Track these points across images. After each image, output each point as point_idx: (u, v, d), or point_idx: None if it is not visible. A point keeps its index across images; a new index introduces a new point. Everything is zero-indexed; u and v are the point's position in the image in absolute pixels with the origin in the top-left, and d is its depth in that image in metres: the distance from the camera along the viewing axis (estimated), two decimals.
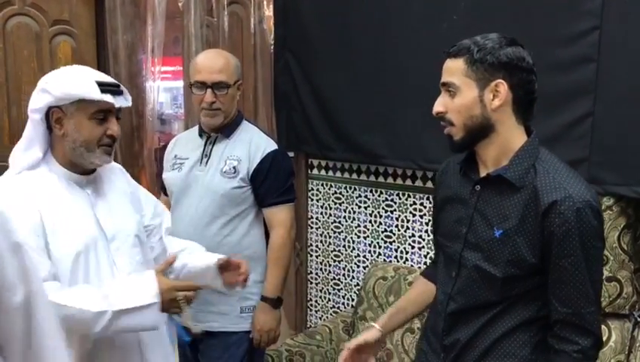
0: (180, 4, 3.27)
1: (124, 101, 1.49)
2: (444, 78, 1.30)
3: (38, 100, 1.43)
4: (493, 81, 1.24)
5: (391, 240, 2.68)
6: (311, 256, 2.99)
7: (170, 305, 1.45)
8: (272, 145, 2.06)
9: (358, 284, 2.79)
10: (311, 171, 2.93)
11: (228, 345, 2.08)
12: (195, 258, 1.74)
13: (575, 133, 2.03)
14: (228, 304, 2.05)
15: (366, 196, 2.74)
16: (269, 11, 3.13)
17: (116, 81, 1.50)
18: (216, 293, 2.01)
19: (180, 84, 3.71)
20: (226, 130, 2.06)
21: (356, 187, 2.78)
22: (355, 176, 2.78)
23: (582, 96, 2.00)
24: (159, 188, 2.28)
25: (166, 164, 2.16)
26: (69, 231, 1.42)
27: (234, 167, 2.00)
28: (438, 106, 1.31)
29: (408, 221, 2.60)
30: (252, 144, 2.04)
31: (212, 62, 2.01)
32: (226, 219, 2.02)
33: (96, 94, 1.40)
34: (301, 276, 3.01)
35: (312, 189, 2.92)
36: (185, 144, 2.14)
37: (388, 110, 2.51)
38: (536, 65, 2.08)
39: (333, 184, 2.85)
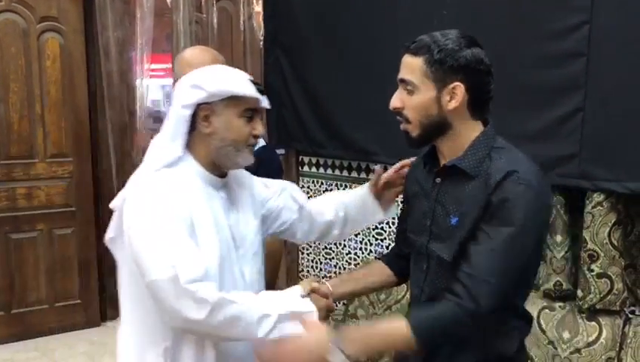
0: (168, 1, 3.25)
1: (266, 102, 1.44)
2: (403, 75, 1.29)
3: (190, 96, 1.36)
4: (450, 83, 1.25)
5: (382, 237, 2.67)
6: (302, 253, 2.97)
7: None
8: (261, 141, 2.04)
9: None
10: (302, 168, 2.91)
11: None
12: (347, 197, 1.70)
13: (565, 129, 2.01)
14: None
15: (332, 191, 2.72)
16: (258, 7, 3.12)
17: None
18: None
19: (172, 81, 3.69)
20: None
21: (347, 184, 2.76)
22: (346, 173, 2.77)
23: (572, 92, 1.99)
24: None
25: None
26: (212, 236, 1.37)
27: None
28: (395, 102, 1.31)
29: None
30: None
31: (201, 57, 1.98)
32: None
33: (250, 90, 1.37)
34: (292, 273, 3.00)
35: (304, 186, 2.90)
36: None
37: (379, 106, 2.46)
38: (527, 60, 2.10)
39: (324, 181, 2.84)
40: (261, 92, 1.41)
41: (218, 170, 1.44)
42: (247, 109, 1.39)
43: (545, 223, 1.30)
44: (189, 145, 1.41)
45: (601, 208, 1.98)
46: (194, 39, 3.16)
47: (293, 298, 1.35)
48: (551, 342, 2.11)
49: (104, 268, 3.82)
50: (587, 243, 2.01)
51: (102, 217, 3.78)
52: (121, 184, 3.82)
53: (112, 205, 1.42)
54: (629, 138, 1.90)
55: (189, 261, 1.25)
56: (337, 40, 2.57)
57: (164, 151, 1.39)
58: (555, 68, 2.00)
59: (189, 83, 1.38)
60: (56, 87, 3.59)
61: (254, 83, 1.41)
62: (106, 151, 3.69)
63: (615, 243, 1.99)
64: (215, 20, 3.24)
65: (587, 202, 2.00)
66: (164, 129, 1.40)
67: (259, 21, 3.10)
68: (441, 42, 1.25)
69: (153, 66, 3.65)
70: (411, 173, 1.52)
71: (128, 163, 3.71)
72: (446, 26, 2.24)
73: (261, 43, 3.08)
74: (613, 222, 1.98)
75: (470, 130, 1.30)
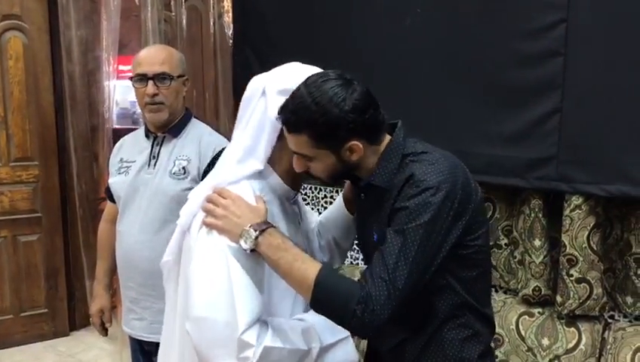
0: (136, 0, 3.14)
1: None
2: (293, 148, 1.22)
3: (280, 104, 1.21)
4: (345, 143, 1.19)
5: None
6: None
7: None
8: (224, 143, 1.95)
9: None
10: None
11: None
12: (326, 215, 1.59)
13: (543, 130, 1.97)
14: None
15: (331, 197, 2.65)
16: (228, 5, 3.03)
17: None
18: None
19: None
20: (174, 129, 1.94)
21: (321, 188, 2.69)
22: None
23: (549, 92, 1.94)
24: (106, 196, 2.14)
25: (111, 168, 2.02)
26: None
27: (183, 168, 1.88)
28: (299, 167, 1.25)
29: None
30: (202, 142, 1.92)
31: (153, 55, 1.91)
32: None
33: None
34: None
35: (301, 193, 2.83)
36: (131, 147, 2.01)
37: None
38: (503, 60, 2.05)
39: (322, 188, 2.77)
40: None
41: (296, 182, 1.34)
42: None
43: (450, 218, 1.18)
44: (270, 158, 1.28)
45: (579, 211, 1.94)
46: (163, 38, 3.06)
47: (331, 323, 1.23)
48: (530, 349, 2.06)
49: (72, 275, 3.70)
50: (566, 248, 1.97)
51: (69, 223, 3.66)
52: (88, 189, 3.71)
53: (179, 222, 1.30)
54: (608, 140, 1.87)
55: (250, 304, 1.16)
56: (307, 39, 2.50)
57: (242, 166, 1.26)
58: (531, 67, 1.95)
59: (277, 88, 1.23)
60: (20, 87, 3.46)
61: None
62: (74, 155, 3.57)
63: (594, 247, 1.95)
64: (184, 19, 3.14)
65: (566, 205, 1.96)
66: (239, 142, 1.27)
67: (229, 20, 3.01)
68: (318, 112, 1.15)
69: (124, 67, 3.52)
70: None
71: (96, 166, 3.59)
72: (420, 25, 2.21)
73: (231, 42, 3.00)
74: (592, 225, 1.94)
75: (376, 155, 1.25)
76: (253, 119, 1.26)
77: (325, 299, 1.14)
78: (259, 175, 1.28)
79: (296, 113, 1.17)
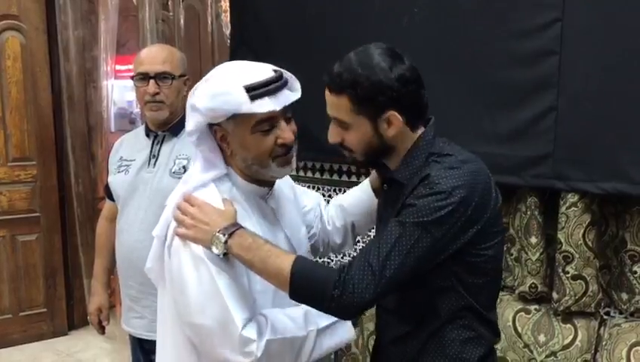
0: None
1: (289, 95, 1.22)
2: (332, 113, 1.23)
3: (190, 121, 1.23)
4: (384, 113, 1.19)
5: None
6: None
7: None
8: None
9: None
10: (297, 173, 2.83)
11: None
12: (348, 199, 1.57)
13: (539, 129, 1.98)
14: None
15: (330, 195, 2.66)
16: (226, 5, 3.04)
17: (275, 71, 1.22)
18: None
19: None
20: (174, 127, 1.95)
21: (320, 186, 2.70)
22: (318, 175, 2.71)
23: (545, 90, 1.95)
24: (105, 194, 2.15)
25: (111, 167, 2.03)
26: None
27: (183, 167, 1.89)
28: (334, 137, 1.25)
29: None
30: None
31: (155, 54, 1.92)
32: None
33: (245, 106, 1.16)
34: None
35: None
36: (131, 145, 2.02)
37: None
38: (499, 59, 2.07)
39: (296, 183, 2.77)
40: (278, 88, 1.19)
41: (260, 180, 1.32)
42: (261, 122, 1.20)
43: (460, 224, 1.16)
44: (226, 160, 1.30)
45: (575, 209, 1.95)
46: (161, 38, 3.08)
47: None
48: (527, 346, 2.08)
49: (71, 274, 3.71)
50: (562, 245, 1.98)
51: (67, 222, 3.66)
52: (86, 188, 3.73)
53: (154, 232, 1.32)
54: (603, 138, 1.88)
55: (240, 301, 1.19)
56: (305, 39, 2.51)
57: (204, 175, 1.28)
58: (527, 66, 1.96)
59: (188, 103, 1.24)
60: (18, 87, 3.47)
61: (262, 84, 1.18)
62: (72, 155, 3.58)
63: (590, 244, 1.96)
64: (182, 19, 3.15)
65: (561, 203, 1.97)
66: (198, 155, 1.30)
67: (226, 20, 3.02)
68: (363, 75, 1.17)
69: (121, 67, 3.53)
70: None
71: (94, 166, 3.60)
72: (417, 24, 2.22)
73: (229, 41, 3.01)
74: (587, 222, 1.95)
75: (410, 142, 1.26)
76: (187, 137, 1.29)
77: (302, 287, 1.15)
78: (226, 177, 1.30)
79: (340, 75, 1.18)
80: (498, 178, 2.07)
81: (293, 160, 1.29)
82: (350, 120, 1.20)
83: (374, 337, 1.51)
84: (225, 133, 1.23)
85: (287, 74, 1.26)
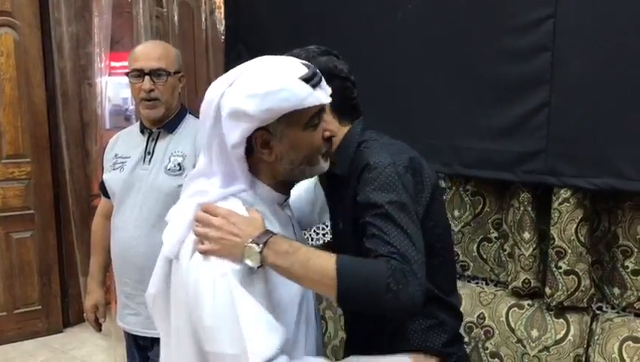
0: None
1: (325, 85, 1.14)
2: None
3: (235, 131, 1.07)
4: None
5: None
6: None
7: None
8: None
9: None
10: None
11: None
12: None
13: (531, 125, 1.99)
14: None
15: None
16: (220, 1, 3.03)
17: (306, 62, 1.15)
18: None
19: None
20: (169, 124, 1.95)
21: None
22: None
23: (537, 86, 1.96)
24: (100, 191, 2.15)
25: (106, 164, 2.03)
26: None
27: (179, 164, 1.89)
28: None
29: None
30: (197, 138, 1.93)
31: (150, 50, 1.92)
32: None
33: (311, 99, 1.07)
34: None
35: None
36: (126, 142, 2.02)
37: None
38: (491, 55, 2.07)
39: None
40: (321, 80, 1.12)
41: (287, 187, 1.23)
42: (314, 116, 1.12)
43: (412, 186, 1.20)
44: (251, 169, 1.16)
45: (568, 204, 1.96)
46: (155, 34, 3.07)
47: None
48: (520, 341, 2.09)
49: (66, 272, 3.71)
50: (554, 240, 1.99)
51: (62, 220, 3.66)
52: (81, 185, 3.72)
53: (167, 252, 1.16)
54: (595, 133, 1.89)
55: (263, 334, 1.04)
56: (300, 35, 2.51)
57: (227, 189, 1.15)
58: (520, 62, 1.97)
59: (227, 110, 1.07)
60: (12, 84, 3.45)
61: (313, 74, 1.09)
62: (66, 152, 3.57)
63: (582, 239, 1.97)
64: (176, 15, 3.15)
65: (554, 198, 1.98)
66: (215, 169, 1.14)
67: (220, 16, 3.02)
68: (295, 53, 1.28)
69: (116, 64, 3.52)
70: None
71: (88, 163, 3.60)
72: (411, 20, 2.22)
73: (223, 38, 3.00)
74: (580, 218, 1.97)
75: (341, 135, 1.30)
76: (215, 143, 1.13)
77: (353, 284, 1.05)
78: (246, 186, 1.18)
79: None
80: (491, 173, 2.12)
81: None
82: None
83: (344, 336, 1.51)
84: (269, 137, 1.10)
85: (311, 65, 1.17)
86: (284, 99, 1.06)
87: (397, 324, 1.28)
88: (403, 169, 1.17)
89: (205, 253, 1.08)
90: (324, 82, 1.13)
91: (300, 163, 1.15)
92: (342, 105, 1.28)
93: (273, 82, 1.06)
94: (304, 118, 1.11)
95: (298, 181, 1.24)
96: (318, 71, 1.13)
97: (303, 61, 1.15)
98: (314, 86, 1.09)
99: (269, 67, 1.11)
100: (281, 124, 1.09)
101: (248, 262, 1.06)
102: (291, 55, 1.24)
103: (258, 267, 1.06)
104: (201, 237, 1.09)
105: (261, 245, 1.06)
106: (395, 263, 1.05)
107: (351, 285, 1.05)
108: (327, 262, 1.07)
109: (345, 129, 1.31)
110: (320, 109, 1.14)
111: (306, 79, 1.08)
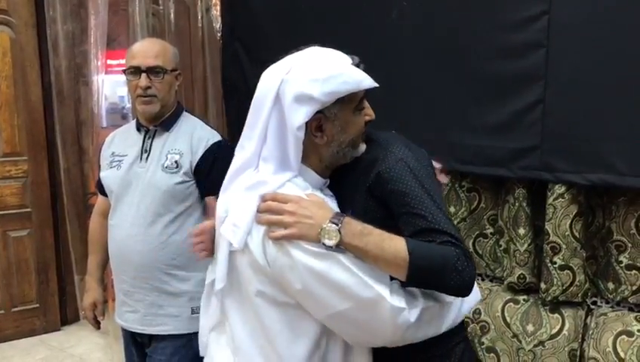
0: None
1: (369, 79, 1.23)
2: None
3: (299, 113, 1.15)
4: None
5: None
6: None
7: None
8: (216, 137, 1.97)
9: None
10: None
11: (177, 347, 1.99)
12: None
13: (526, 121, 2.00)
14: (178, 306, 1.96)
15: None
16: None
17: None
18: (164, 294, 1.92)
19: None
20: (166, 122, 1.95)
21: None
22: None
23: (532, 83, 1.97)
24: (97, 189, 2.15)
25: (103, 162, 2.03)
26: None
27: (176, 161, 1.90)
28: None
29: None
30: (194, 136, 1.94)
31: (147, 48, 1.93)
32: (170, 216, 1.92)
33: (367, 82, 1.18)
34: None
35: None
36: (122, 140, 2.02)
37: None
38: (486, 51, 2.08)
39: None
40: (362, 64, 1.23)
41: (329, 171, 1.29)
42: (361, 99, 1.23)
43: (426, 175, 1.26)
44: (303, 156, 1.23)
45: (562, 200, 1.98)
46: (151, 32, 3.07)
47: None
48: (515, 336, 2.10)
49: (63, 270, 3.71)
50: (549, 236, 2.01)
51: (59, 218, 3.66)
52: (77, 183, 3.70)
53: (236, 244, 1.19)
54: (589, 129, 1.90)
55: (375, 277, 1.15)
56: (296, 33, 2.51)
57: (279, 176, 1.20)
58: (514, 59, 1.98)
59: (292, 95, 1.15)
60: (8, 83, 3.45)
61: (359, 61, 1.22)
62: (62, 150, 3.57)
63: (577, 234, 1.99)
64: (172, 13, 3.15)
65: (549, 194, 2.00)
66: (267, 155, 1.20)
67: (217, 13, 3.02)
68: None
69: (112, 62, 3.52)
70: None
71: (85, 161, 3.60)
72: (406, 18, 2.23)
73: (219, 36, 3.01)
74: (574, 213, 1.98)
75: None
76: (271, 128, 1.19)
77: (424, 265, 1.12)
78: (297, 175, 1.24)
79: None
80: (487, 170, 2.13)
81: None
82: None
83: None
84: (324, 120, 1.19)
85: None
86: (344, 82, 1.16)
87: None
88: (425, 158, 1.26)
89: (284, 238, 1.14)
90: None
91: (346, 145, 1.24)
92: None
93: (333, 68, 1.17)
94: (354, 102, 1.21)
95: (340, 164, 1.28)
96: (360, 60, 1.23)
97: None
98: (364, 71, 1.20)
99: (324, 56, 1.22)
100: (335, 107, 1.19)
101: (327, 241, 1.11)
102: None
103: (336, 246, 1.12)
104: (277, 225, 1.14)
105: (339, 225, 1.12)
106: (459, 249, 1.14)
107: (422, 266, 1.12)
108: (400, 244, 1.13)
109: None
110: (365, 94, 1.24)
111: (357, 65, 1.20)
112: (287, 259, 1.15)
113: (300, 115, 1.16)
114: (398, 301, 1.14)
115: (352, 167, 1.28)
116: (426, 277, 1.14)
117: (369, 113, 1.27)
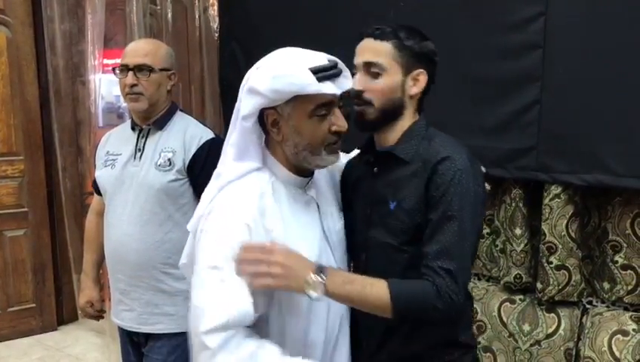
0: None
1: (345, 82, 1.24)
2: (369, 58, 1.28)
3: (248, 104, 1.20)
4: (415, 69, 1.30)
5: None
6: None
7: None
8: (209, 134, 1.97)
9: None
10: None
11: (174, 346, 1.99)
12: None
13: (523, 121, 2.01)
14: (174, 304, 1.96)
15: None
16: None
17: (333, 58, 1.24)
18: (160, 293, 1.92)
19: None
20: (159, 121, 1.96)
21: None
22: None
23: (529, 84, 1.99)
24: (93, 189, 2.16)
25: (98, 161, 2.04)
26: (298, 246, 1.22)
27: (169, 159, 1.90)
28: (357, 85, 1.28)
29: None
30: (187, 134, 1.94)
31: (138, 47, 1.95)
32: (165, 215, 1.92)
33: (313, 86, 1.16)
34: None
35: None
36: (117, 140, 2.03)
37: None
38: (483, 52, 2.09)
39: None
40: (336, 74, 1.21)
41: (301, 169, 1.29)
42: (320, 106, 1.20)
43: (482, 202, 1.30)
44: (270, 148, 1.28)
45: (558, 200, 1.99)
46: (148, 32, 3.07)
47: None
48: (512, 335, 2.12)
49: (60, 269, 3.70)
50: (546, 236, 2.02)
51: (55, 217, 3.65)
52: (74, 183, 3.70)
53: (188, 227, 1.30)
54: (585, 130, 1.91)
55: (215, 306, 1.13)
56: (293, 33, 2.52)
57: (237, 166, 1.25)
58: (511, 60, 2.00)
59: (245, 86, 1.21)
60: (4, 82, 3.44)
61: (326, 68, 1.19)
62: (59, 150, 3.57)
63: (573, 235, 2.00)
64: (170, 13, 3.15)
65: (545, 195, 2.01)
66: (231, 140, 1.26)
67: (214, 14, 3.03)
68: (406, 30, 1.29)
69: (109, 61, 3.52)
70: (349, 177, 1.47)
71: (82, 161, 3.59)
72: (404, 18, 2.24)
73: (216, 36, 3.01)
74: (570, 214, 1.99)
75: (410, 120, 1.34)
76: (234, 120, 1.25)
77: (406, 308, 1.19)
78: (265, 166, 1.28)
79: (384, 27, 1.28)
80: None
81: (339, 149, 1.29)
82: (387, 64, 1.27)
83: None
84: (278, 117, 1.21)
85: (340, 63, 1.25)
86: (290, 83, 1.17)
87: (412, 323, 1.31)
88: (479, 179, 1.27)
89: (273, 288, 1.18)
90: (341, 79, 1.23)
91: (303, 148, 1.23)
92: (428, 90, 1.34)
93: (283, 68, 1.19)
94: (310, 106, 1.20)
95: (306, 168, 1.28)
96: (338, 68, 1.22)
97: (330, 57, 1.24)
98: (323, 78, 1.18)
99: (287, 56, 1.24)
100: (288, 107, 1.20)
101: (312, 292, 1.15)
102: (400, 29, 1.28)
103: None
104: (266, 275, 1.16)
105: (325, 276, 1.16)
106: (440, 282, 1.18)
107: (404, 309, 1.19)
108: (382, 290, 1.18)
109: (414, 117, 1.34)
110: (329, 102, 1.21)
111: (315, 71, 1.17)
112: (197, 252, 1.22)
113: (246, 106, 1.21)
114: (211, 338, 1.12)
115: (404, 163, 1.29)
116: (409, 316, 1.22)
117: (338, 123, 1.23)
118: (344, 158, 1.50)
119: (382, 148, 1.33)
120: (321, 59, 1.22)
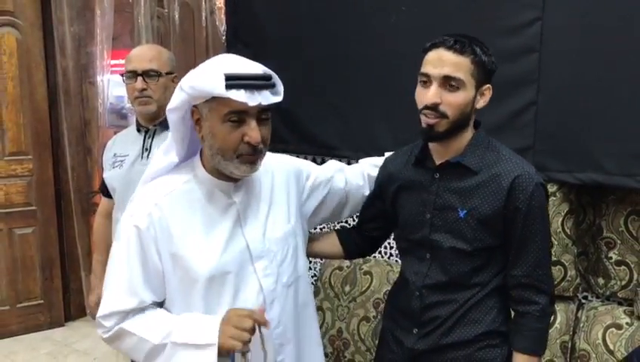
0: None
1: (269, 97, 1.22)
2: (448, 72, 1.30)
3: (174, 97, 1.26)
4: (485, 85, 1.36)
5: None
6: None
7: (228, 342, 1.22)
8: None
9: (315, 275, 2.80)
10: None
11: None
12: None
13: (520, 122, 2.07)
14: None
15: None
16: (220, 2, 3.10)
17: (264, 71, 1.23)
18: None
19: None
20: (165, 122, 2.01)
21: None
22: None
23: (525, 86, 2.04)
24: (100, 191, 2.22)
25: (105, 163, 2.10)
26: (204, 251, 1.25)
27: None
28: (434, 97, 1.31)
29: None
30: None
31: (143, 52, 2.02)
32: None
33: (218, 90, 1.17)
34: None
35: None
36: (123, 142, 2.09)
37: (339, 100, 2.51)
38: None
39: None
40: (257, 86, 1.19)
41: (227, 177, 1.29)
42: (232, 112, 1.20)
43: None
44: (202, 152, 1.32)
45: (554, 198, 2.04)
46: (155, 34, 3.13)
47: (202, 327, 1.23)
48: None
49: (67, 266, 3.76)
50: None
51: (63, 215, 3.72)
52: (82, 182, 3.75)
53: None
54: (580, 131, 1.97)
55: (112, 295, 1.30)
56: (298, 35, 2.58)
57: (163, 158, 1.34)
58: (508, 63, 2.05)
59: (179, 83, 1.27)
60: (14, 83, 3.50)
61: (243, 76, 1.19)
62: (68, 149, 3.63)
63: (568, 231, 2.06)
64: (177, 15, 3.20)
65: None
66: (169, 135, 1.35)
67: (221, 16, 3.08)
68: (480, 45, 1.34)
69: (114, 61, 3.59)
70: (392, 170, 1.54)
71: (90, 160, 3.66)
72: (405, 22, 2.30)
73: (223, 38, 3.06)
74: (566, 211, 2.05)
75: (470, 131, 1.40)
76: (167, 114, 1.33)
77: (545, 340, 1.44)
78: (190, 167, 1.33)
79: (461, 39, 1.31)
80: None
81: (259, 162, 1.26)
82: (466, 80, 1.31)
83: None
84: (199, 115, 1.25)
85: (275, 78, 1.25)
86: (202, 83, 1.20)
87: (475, 301, 1.41)
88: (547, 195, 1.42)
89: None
90: (267, 92, 1.22)
91: (216, 152, 1.24)
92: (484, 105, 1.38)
93: (203, 68, 1.25)
94: (224, 110, 1.21)
95: (224, 172, 1.28)
96: (260, 79, 1.21)
97: (266, 69, 1.24)
98: (236, 86, 1.18)
99: (217, 59, 1.27)
100: (206, 108, 1.24)
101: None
102: (476, 44, 1.32)
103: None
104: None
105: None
106: (541, 299, 1.39)
107: (545, 346, 1.45)
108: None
109: (472, 128, 1.40)
110: (242, 110, 1.20)
111: (230, 77, 1.18)
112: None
113: (174, 99, 1.27)
114: (107, 320, 1.30)
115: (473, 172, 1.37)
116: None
117: (250, 135, 1.21)
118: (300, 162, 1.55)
119: (452, 158, 1.39)
120: (250, 68, 1.23)
